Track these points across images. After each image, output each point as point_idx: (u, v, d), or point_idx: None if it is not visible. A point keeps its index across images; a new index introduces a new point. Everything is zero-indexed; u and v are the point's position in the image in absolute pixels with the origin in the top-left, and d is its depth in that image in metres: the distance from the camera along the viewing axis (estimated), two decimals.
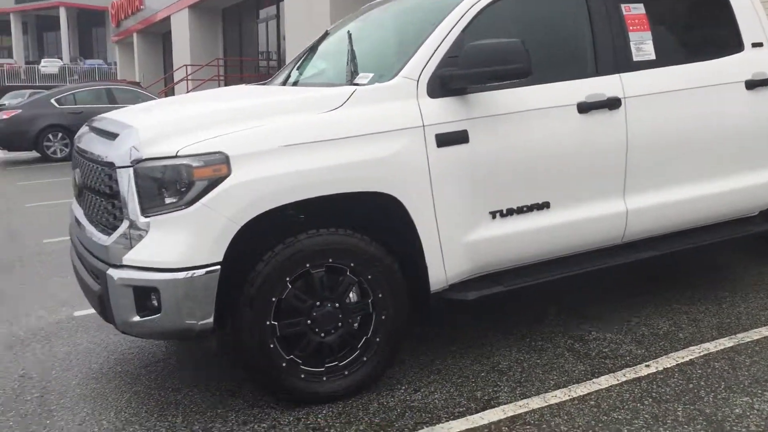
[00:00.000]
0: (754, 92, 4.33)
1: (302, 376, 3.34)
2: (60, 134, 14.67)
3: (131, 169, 3.15)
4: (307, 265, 3.27)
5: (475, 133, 3.53)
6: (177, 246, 3.09)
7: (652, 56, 4.06)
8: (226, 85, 24.28)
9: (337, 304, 3.35)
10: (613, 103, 3.86)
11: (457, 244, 3.55)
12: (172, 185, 3.11)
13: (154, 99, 16.18)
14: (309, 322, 3.31)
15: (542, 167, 3.71)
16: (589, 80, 3.87)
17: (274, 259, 3.20)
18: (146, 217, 3.12)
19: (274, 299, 3.22)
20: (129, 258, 3.15)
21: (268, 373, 3.29)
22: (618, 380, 3.45)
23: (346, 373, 3.41)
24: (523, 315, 4.38)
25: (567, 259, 3.97)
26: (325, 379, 3.38)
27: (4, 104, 37.50)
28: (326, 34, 4.72)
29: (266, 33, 23.75)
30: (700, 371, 3.52)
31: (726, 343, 3.84)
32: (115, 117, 3.68)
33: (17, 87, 43.85)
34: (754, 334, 3.93)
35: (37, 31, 69.49)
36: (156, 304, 3.12)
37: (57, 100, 14.80)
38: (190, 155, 3.10)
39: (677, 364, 3.60)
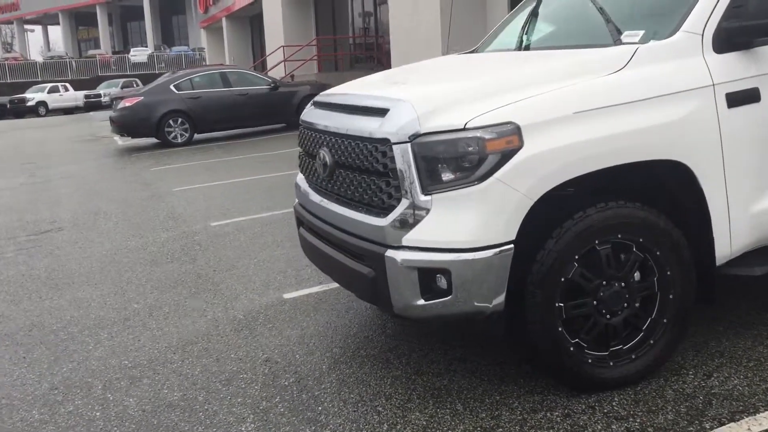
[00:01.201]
0: None
1: (589, 360, 3.12)
2: (180, 119, 14.86)
3: (409, 145, 2.97)
4: (596, 242, 3.03)
5: (766, 90, 3.20)
6: (469, 224, 2.90)
7: None
8: (320, 65, 24.20)
9: (623, 284, 3.10)
10: None
11: (744, 214, 3.24)
12: (457, 160, 2.92)
13: (265, 79, 16.24)
14: (595, 303, 3.08)
15: None
16: None
17: (565, 235, 2.98)
18: (427, 194, 2.95)
19: (562, 279, 3.00)
20: (411, 239, 2.98)
21: (555, 358, 3.08)
22: None
23: (633, 357, 3.17)
24: None
25: None
26: (612, 363, 3.15)
27: (100, 93, 38.87)
28: None
29: (362, 7, 23.56)
30: None
31: None
32: (370, 92, 3.50)
33: (110, 77, 45.20)
34: None
35: (122, 22, 71.46)
36: (445, 287, 2.95)
37: (176, 86, 14.97)
38: (481, 127, 2.89)
39: None
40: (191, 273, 5.57)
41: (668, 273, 3.14)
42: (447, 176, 2.95)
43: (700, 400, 3.00)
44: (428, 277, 2.99)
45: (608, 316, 3.11)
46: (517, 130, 2.89)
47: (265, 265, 5.57)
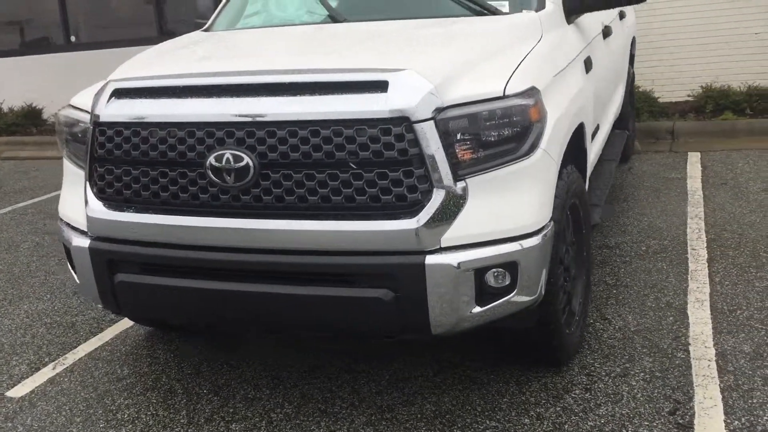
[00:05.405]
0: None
1: (567, 331, 3.02)
2: None
3: (433, 122, 2.37)
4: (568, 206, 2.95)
5: (593, 58, 3.60)
6: (529, 204, 2.55)
7: None
8: None
9: (569, 246, 3.10)
10: (608, 31, 4.30)
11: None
12: (499, 133, 2.47)
13: None
14: (564, 269, 3.01)
15: (600, 90, 3.93)
16: (600, 13, 4.17)
17: (560, 204, 2.81)
18: (460, 180, 2.42)
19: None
20: (451, 237, 2.44)
21: (559, 332, 2.89)
22: None
23: (577, 318, 3.20)
24: None
25: None
26: (572, 329, 3.11)
27: None
28: None
29: None
30: None
31: None
32: (321, 65, 2.58)
33: None
34: None
35: None
36: (506, 282, 2.49)
37: None
38: (519, 93, 2.50)
39: None
40: None
41: (584, 231, 3.27)
42: (483, 153, 2.45)
43: (638, 341, 3.23)
44: (483, 278, 2.46)
45: (567, 280, 3.08)
46: (540, 96, 2.59)
47: None
